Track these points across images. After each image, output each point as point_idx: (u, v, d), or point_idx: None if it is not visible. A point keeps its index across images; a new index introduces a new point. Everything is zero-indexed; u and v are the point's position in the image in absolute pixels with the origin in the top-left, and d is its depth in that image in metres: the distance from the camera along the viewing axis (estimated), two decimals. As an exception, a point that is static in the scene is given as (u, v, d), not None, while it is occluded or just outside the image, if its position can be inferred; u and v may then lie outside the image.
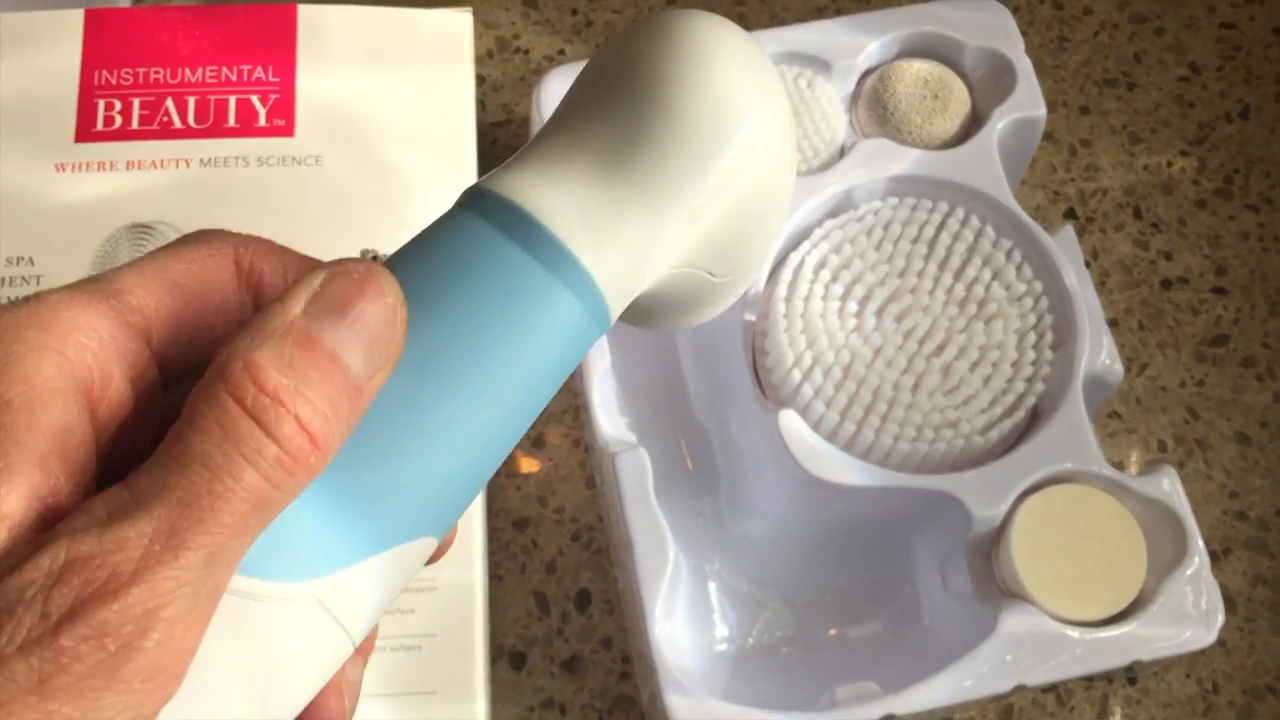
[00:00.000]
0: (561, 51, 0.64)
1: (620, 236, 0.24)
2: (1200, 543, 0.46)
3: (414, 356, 0.22)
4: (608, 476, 0.49)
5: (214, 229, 0.24)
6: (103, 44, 0.51)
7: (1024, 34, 0.55)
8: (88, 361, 0.20)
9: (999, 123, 0.53)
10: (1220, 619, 0.45)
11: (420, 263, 0.24)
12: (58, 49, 0.50)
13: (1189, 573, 0.46)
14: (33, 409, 0.19)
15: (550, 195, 0.24)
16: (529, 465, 0.55)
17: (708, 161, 0.25)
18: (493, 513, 0.53)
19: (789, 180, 0.28)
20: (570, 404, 0.56)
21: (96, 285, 0.21)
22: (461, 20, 0.53)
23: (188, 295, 0.23)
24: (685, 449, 0.54)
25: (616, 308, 0.25)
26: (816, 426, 0.48)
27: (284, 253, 0.25)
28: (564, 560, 0.53)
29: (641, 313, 0.28)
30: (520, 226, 0.23)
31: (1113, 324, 0.54)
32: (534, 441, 0.55)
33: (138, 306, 0.22)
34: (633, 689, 0.51)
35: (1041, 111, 0.54)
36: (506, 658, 0.51)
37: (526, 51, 0.64)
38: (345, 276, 0.21)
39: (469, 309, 0.23)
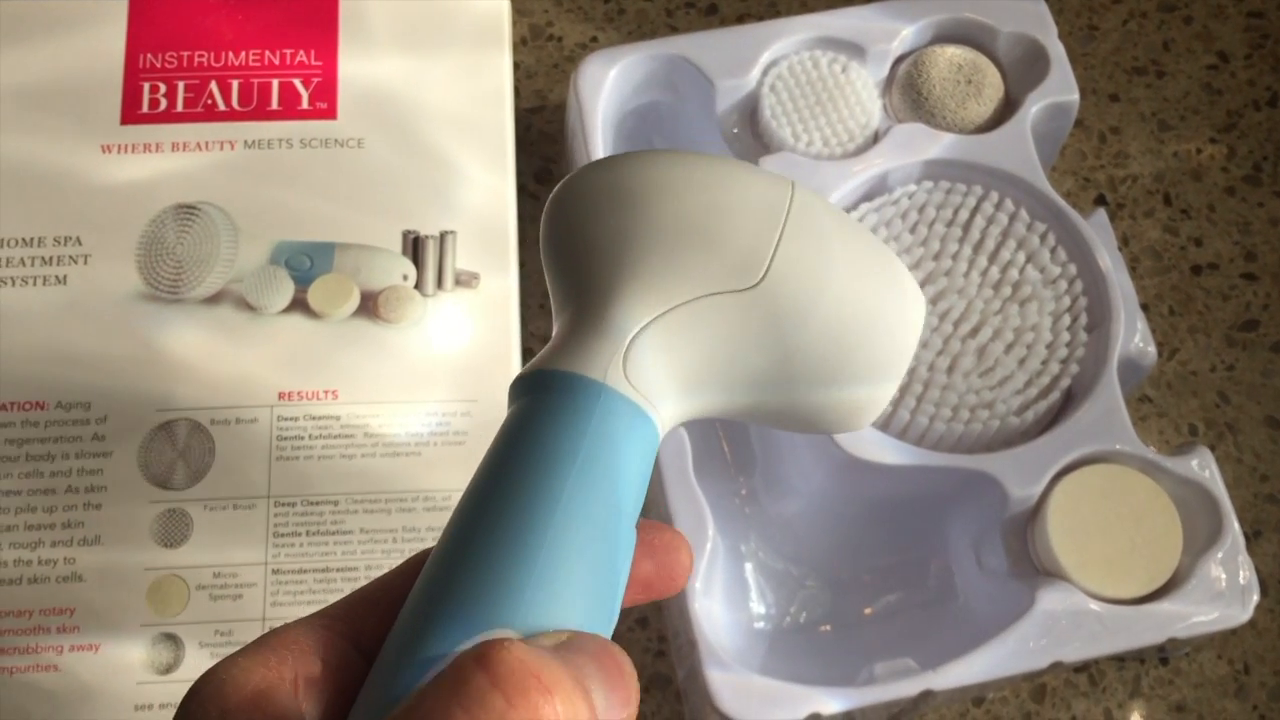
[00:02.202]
0: (594, 39, 0.65)
1: (599, 345, 0.26)
2: (1235, 522, 0.46)
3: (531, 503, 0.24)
4: (645, 456, 0.50)
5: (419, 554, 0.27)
6: (147, 27, 0.51)
7: (1054, 22, 0.55)
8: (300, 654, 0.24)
9: (1032, 107, 0.53)
10: (1255, 597, 0.46)
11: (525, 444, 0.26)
12: (103, 32, 0.51)
13: (1224, 551, 0.46)
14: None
15: (564, 354, 0.27)
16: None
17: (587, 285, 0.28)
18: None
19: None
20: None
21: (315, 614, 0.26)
22: (499, 6, 0.54)
23: (382, 604, 0.26)
24: (721, 431, 0.54)
25: (645, 382, 0.27)
26: (853, 407, 0.48)
27: None
28: (600, 540, 0.53)
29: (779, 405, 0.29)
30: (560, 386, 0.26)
31: (1143, 309, 0.54)
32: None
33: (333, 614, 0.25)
34: (668, 667, 0.52)
35: (1074, 96, 0.54)
36: (543, 636, 0.52)
37: (559, 39, 0.64)
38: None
39: (560, 459, 0.25)
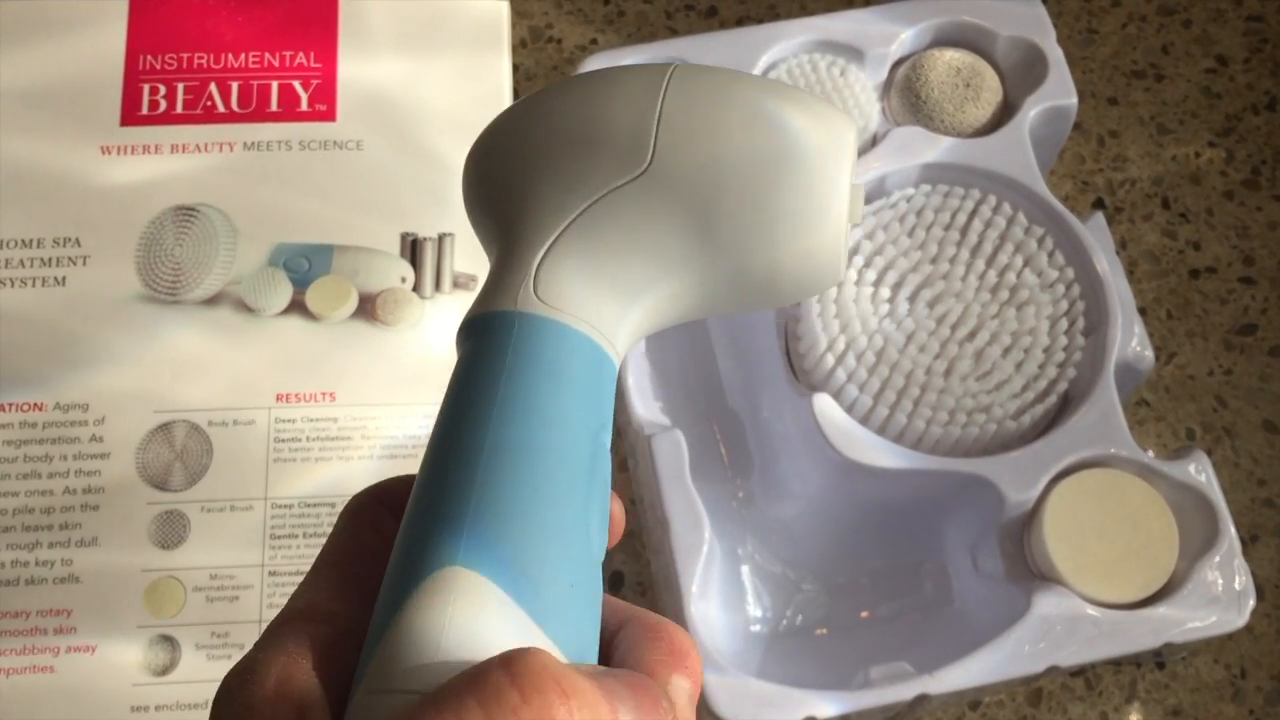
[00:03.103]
0: (594, 41, 0.65)
1: (517, 271, 0.27)
2: (1231, 527, 0.46)
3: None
4: (643, 459, 0.50)
5: (362, 491, 0.28)
6: (147, 29, 0.51)
7: (1053, 25, 0.55)
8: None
9: (1030, 111, 0.53)
10: (1251, 602, 0.46)
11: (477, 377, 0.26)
12: (103, 34, 0.51)
13: (1220, 556, 0.46)
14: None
15: (486, 296, 0.27)
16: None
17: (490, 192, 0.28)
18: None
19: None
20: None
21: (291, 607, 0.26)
22: (498, 9, 0.54)
23: (349, 563, 0.26)
24: (718, 434, 0.54)
25: (579, 280, 0.26)
26: (850, 410, 0.48)
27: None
28: (597, 543, 0.53)
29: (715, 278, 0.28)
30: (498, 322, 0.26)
31: (1141, 313, 0.55)
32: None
33: (320, 586, 0.26)
34: (665, 670, 0.52)
35: (1073, 100, 0.54)
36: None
37: (559, 41, 0.64)
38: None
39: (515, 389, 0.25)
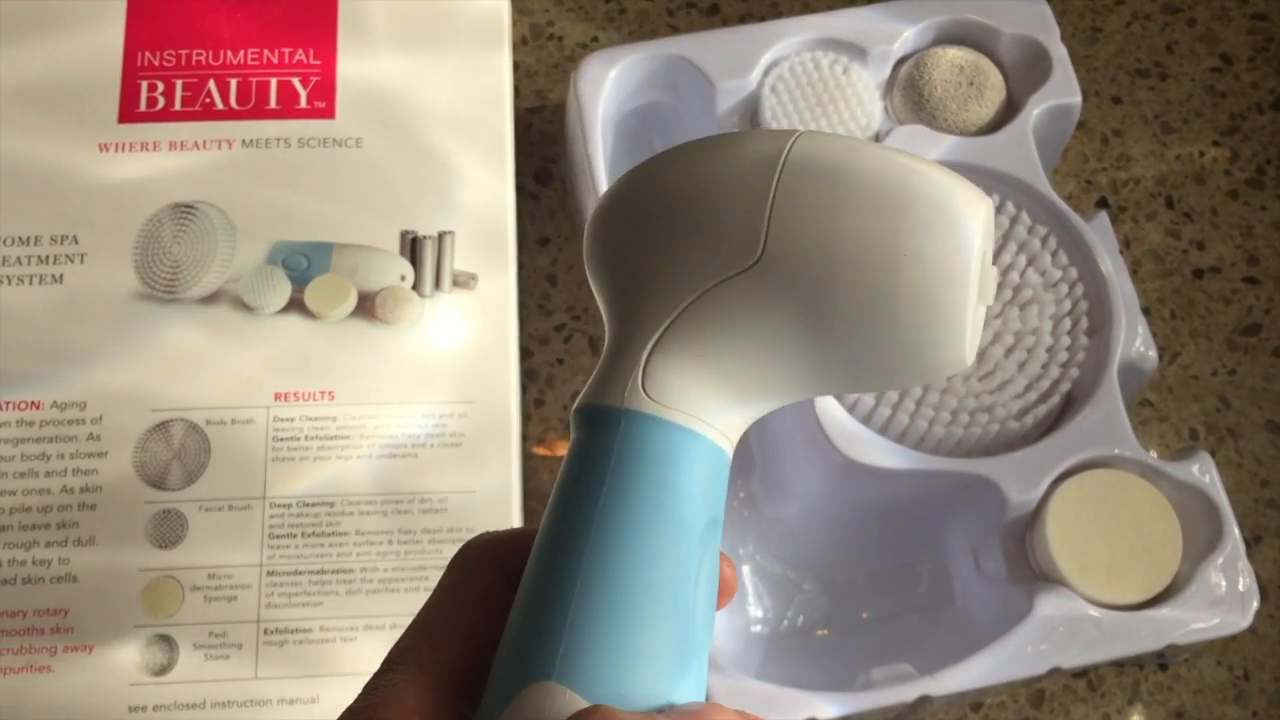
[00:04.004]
0: (595, 38, 0.64)
1: (621, 370, 0.26)
2: (1235, 528, 0.46)
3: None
4: (643, 458, 0.49)
5: (474, 541, 0.27)
6: (146, 26, 0.51)
7: (1056, 23, 0.55)
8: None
9: (1034, 110, 0.53)
10: (1255, 603, 0.45)
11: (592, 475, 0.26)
12: (101, 31, 0.51)
13: (1224, 557, 0.46)
14: None
15: (599, 384, 0.26)
16: (564, 448, 0.55)
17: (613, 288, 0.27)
18: (528, 495, 0.54)
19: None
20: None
21: (401, 655, 0.26)
22: (499, 6, 0.54)
23: (463, 622, 0.26)
24: (719, 433, 0.54)
25: (701, 400, 0.26)
26: (852, 410, 0.48)
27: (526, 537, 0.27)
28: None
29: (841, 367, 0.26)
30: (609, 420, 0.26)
31: (1145, 313, 0.54)
32: (569, 426, 0.56)
33: (431, 659, 0.26)
34: (666, 670, 0.52)
35: (1076, 99, 0.54)
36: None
37: (560, 38, 0.64)
38: None
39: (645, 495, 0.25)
